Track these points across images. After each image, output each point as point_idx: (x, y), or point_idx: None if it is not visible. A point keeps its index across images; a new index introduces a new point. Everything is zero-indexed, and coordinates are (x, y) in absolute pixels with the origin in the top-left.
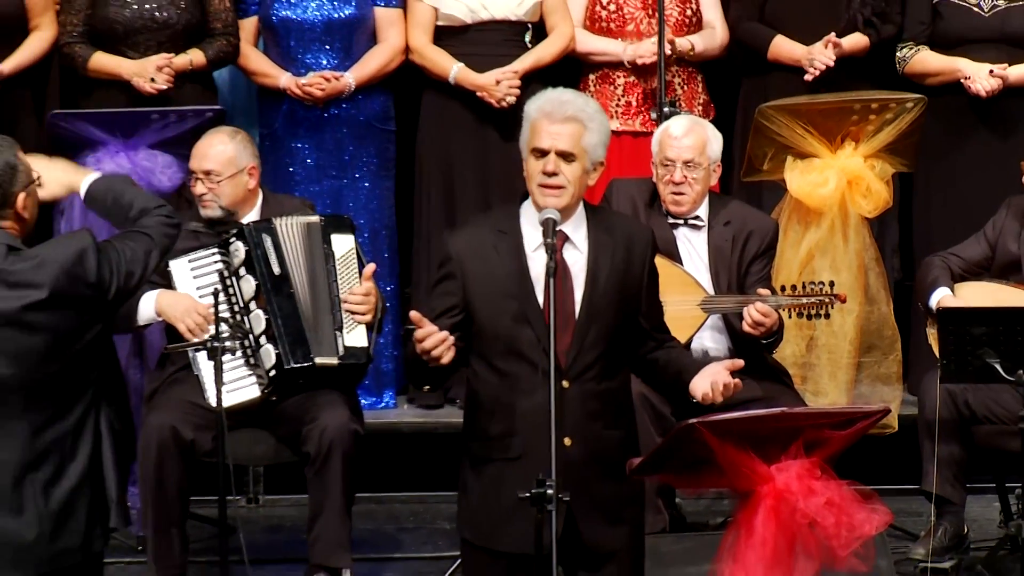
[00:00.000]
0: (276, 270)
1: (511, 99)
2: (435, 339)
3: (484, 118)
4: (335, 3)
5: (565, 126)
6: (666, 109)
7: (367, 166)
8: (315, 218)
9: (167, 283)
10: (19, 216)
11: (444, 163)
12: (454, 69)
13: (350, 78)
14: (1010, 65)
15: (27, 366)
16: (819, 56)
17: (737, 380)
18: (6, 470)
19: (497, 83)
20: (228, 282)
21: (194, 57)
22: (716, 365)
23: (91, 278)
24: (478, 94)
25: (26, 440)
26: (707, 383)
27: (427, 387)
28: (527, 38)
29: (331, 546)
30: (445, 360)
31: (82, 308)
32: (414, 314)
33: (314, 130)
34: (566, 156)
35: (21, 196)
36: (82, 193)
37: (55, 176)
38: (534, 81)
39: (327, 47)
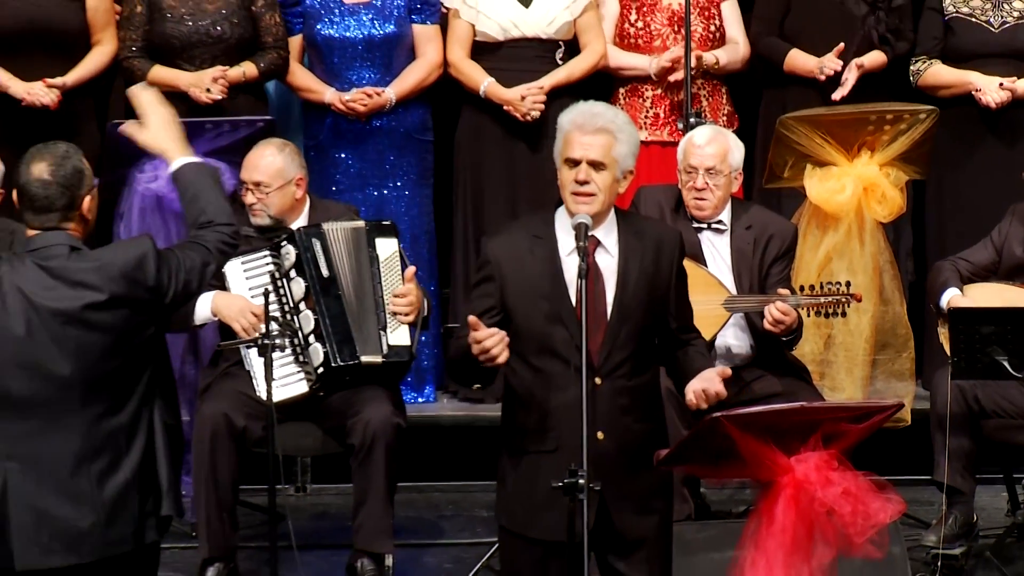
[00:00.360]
0: (324, 272)
1: (535, 114)
2: (495, 339)
3: (514, 131)
4: (375, 21)
5: (596, 137)
6: (692, 120)
7: (407, 175)
8: (361, 223)
9: (221, 284)
10: (82, 218)
11: (479, 172)
12: (484, 83)
13: (391, 92)
14: (1019, 78)
15: (86, 362)
16: (828, 63)
17: (720, 389)
18: (64, 460)
19: (522, 98)
20: (279, 283)
21: (247, 69)
22: (710, 372)
23: (150, 282)
24: (504, 108)
25: (84, 432)
26: (698, 388)
27: (477, 385)
28: (558, 56)
29: (374, 533)
30: (502, 359)
31: (139, 310)
32: (472, 319)
33: (357, 141)
34: (597, 165)
35: (87, 199)
36: (171, 169)
37: (161, 133)
38: (566, 95)
39: (368, 63)
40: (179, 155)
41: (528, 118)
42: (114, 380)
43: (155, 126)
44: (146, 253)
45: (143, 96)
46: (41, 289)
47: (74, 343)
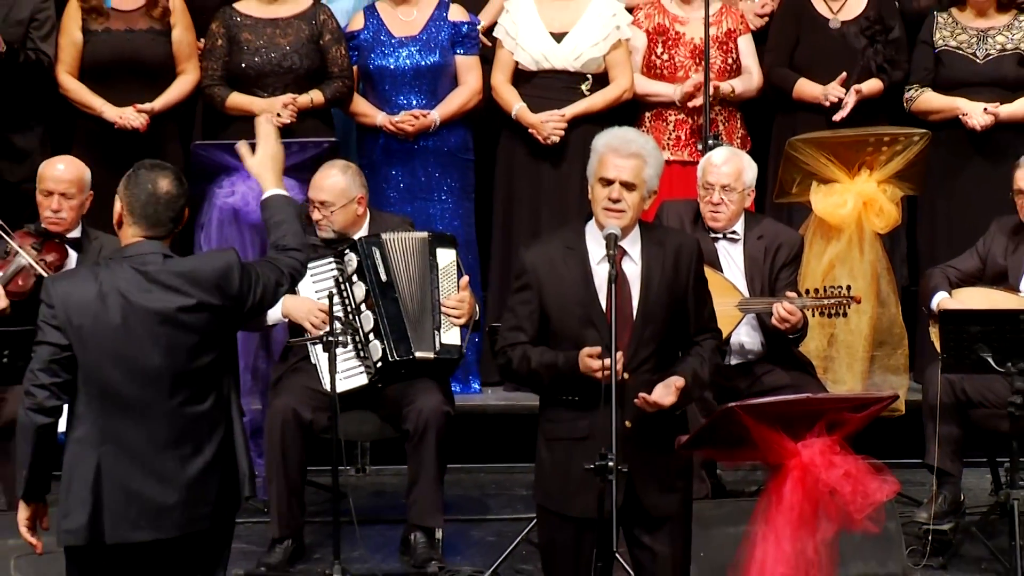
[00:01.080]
0: (383, 278)
1: (555, 138)
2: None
3: (543, 153)
4: (422, 53)
5: (629, 161)
6: (710, 142)
7: (450, 190)
8: (424, 234)
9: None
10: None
11: (513, 188)
12: (516, 107)
13: (436, 115)
14: (1001, 104)
15: (175, 358)
16: (832, 91)
17: (661, 401)
18: (152, 444)
19: (544, 123)
20: (342, 287)
21: (314, 96)
22: (670, 379)
23: (233, 292)
24: (530, 130)
25: (170, 419)
26: (650, 395)
27: (576, 397)
28: (584, 87)
29: (426, 509)
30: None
31: (222, 315)
32: (590, 358)
33: (406, 160)
34: (628, 186)
35: (185, 212)
36: (264, 196)
37: (267, 163)
38: (594, 120)
39: (416, 90)
40: (273, 185)
41: (548, 141)
42: (198, 374)
43: (263, 156)
44: (232, 265)
45: (264, 128)
46: (138, 291)
47: (165, 340)
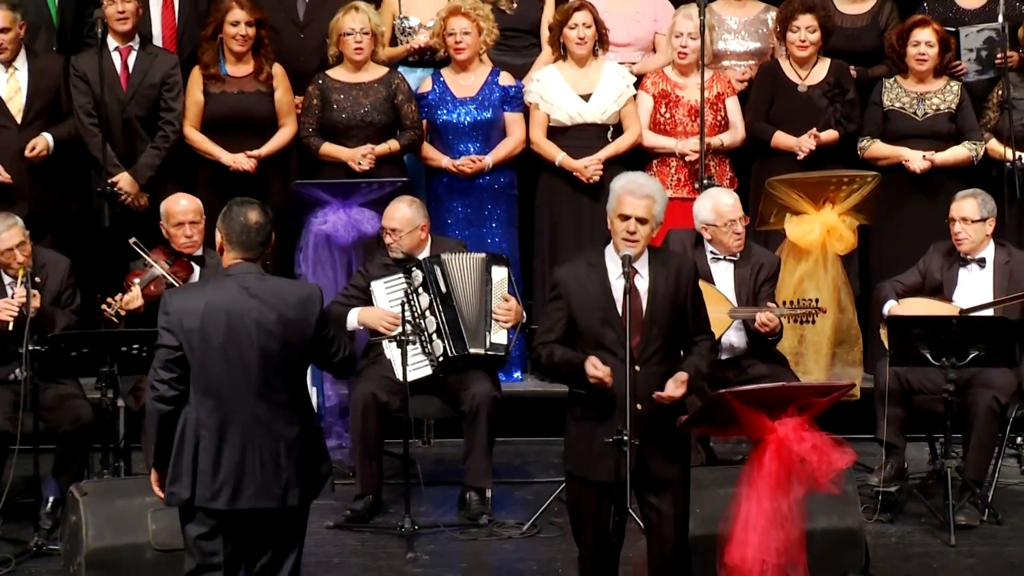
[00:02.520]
0: (443, 289)
1: (596, 177)
2: (607, 374)
3: (577, 188)
4: (478, 110)
5: (642, 200)
6: (704, 182)
7: (499, 219)
8: (483, 255)
9: (368, 300)
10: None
11: (551, 218)
12: (559, 157)
13: (489, 160)
14: (936, 152)
15: (267, 357)
16: (804, 143)
17: (673, 395)
18: (256, 424)
19: (586, 167)
20: (410, 297)
21: (391, 145)
22: (679, 375)
23: (310, 319)
24: (574, 173)
25: (268, 405)
26: (663, 393)
27: (584, 391)
28: (608, 135)
29: (478, 473)
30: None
31: (297, 331)
32: (594, 367)
33: (465, 194)
34: (642, 220)
35: (272, 236)
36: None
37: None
38: (616, 163)
39: (473, 139)
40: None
41: (591, 181)
42: (283, 371)
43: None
44: (313, 294)
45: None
46: (240, 302)
47: (260, 343)
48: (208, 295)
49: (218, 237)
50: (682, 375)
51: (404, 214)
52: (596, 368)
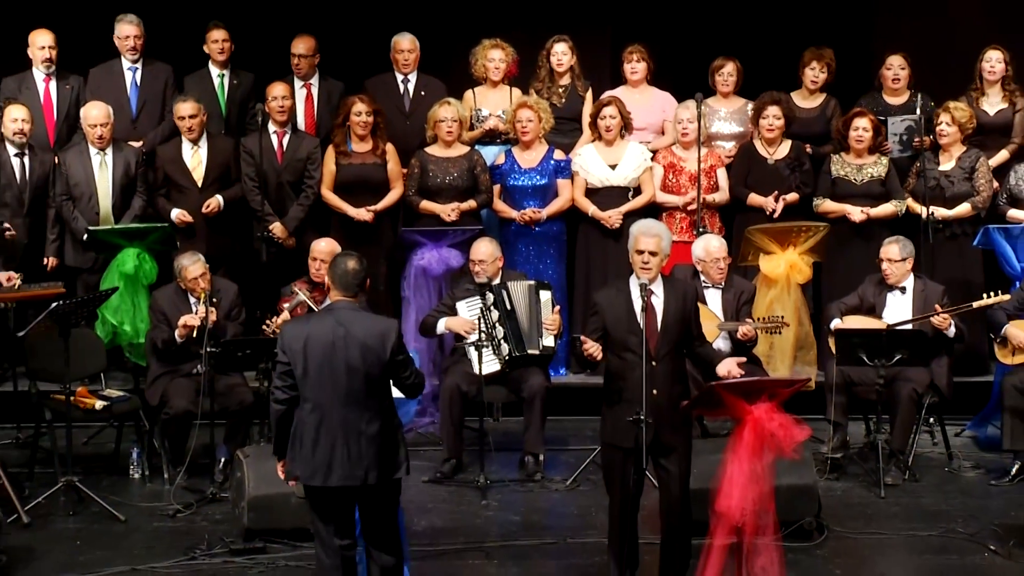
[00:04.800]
0: (508, 307)
1: (616, 224)
2: (594, 348)
3: (606, 235)
4: (538, 177)
5: (653, 238)
6: (700, 229)
7: (552, 257)
8: (532, 282)
9: (454, 312)
10: (360, 293)
11: (588, 257)
12: (591, 210)
13: (544, 214)
14: (871, 208)
15: (353, 371)
16: (769, 204)
17: (740, 369)
18: (349, 418)
19: (609, 216)
20: (485, 312)
21: (471, 203)
22: (730, 360)
23: (386, 347)
24: (601, 221)
25: (358, 405)
26: (725, 368)
27: (589, 370)
28: (630, 195)
29: (534, 443)
30: (599, 358)
31: (375, 355)
32: (583, 338)
33: (527, 238)
34: (653, 253)
35: (367, 280)
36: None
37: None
38: (632, 215)
39: (534, 198)
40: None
41: (613, 227)
42: (366, 383)
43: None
44: (390, 328)
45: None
46: (335, 332)
47: (347, 362)
48: (311, 326)
49: (327, 280)
50: (741, 359)
51: (488, 250)
52: (589, 346)
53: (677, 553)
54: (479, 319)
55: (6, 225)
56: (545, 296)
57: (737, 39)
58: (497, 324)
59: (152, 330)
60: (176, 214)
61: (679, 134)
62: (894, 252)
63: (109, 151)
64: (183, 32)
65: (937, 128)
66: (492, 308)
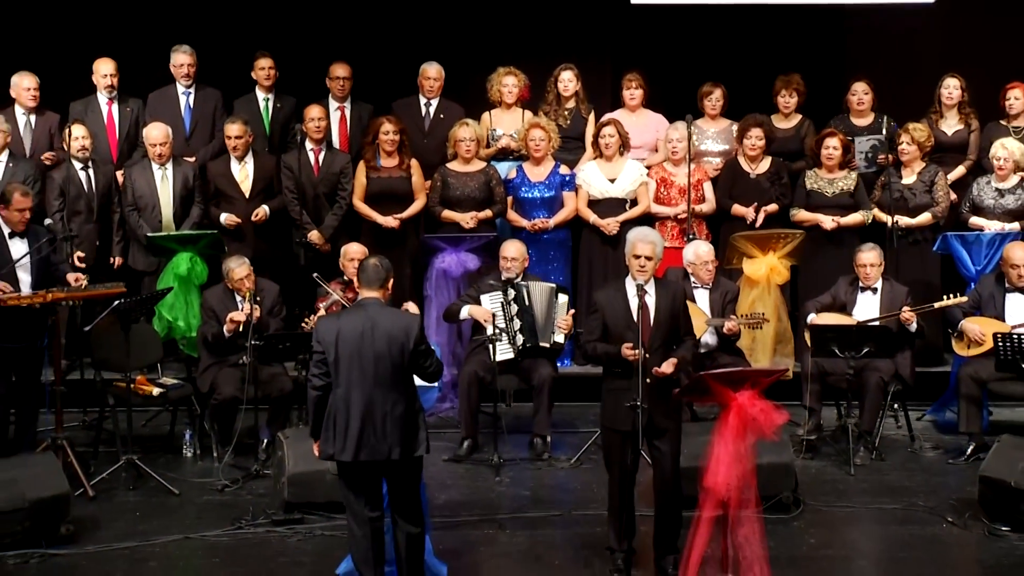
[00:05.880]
0: (526, 304)
1: (614, 231)
2: (636, 355)
3: (605, 242)
4: (547, 189)
5: (649, 244)
6: (690, 237)
7: (558, 261)
8: (552, 285)
9: (478, 301)
10: (385, 290)
11: (590, 260)
12: (592, 218)
13: (552, 222)
14: (841, 217)
15: (380, 358)
16: (750, 214)
17: (663, 371)
18: (377, 398)
19: (608, 224)
20: (504, 306)
21: (487, 213)
22: (670, 360)
23: (409, 339)
24: (601, 228)
25: (385, 387)
26: (663, 367)
27: (619, 370)
28: (627, 206)
29: (542, 425)
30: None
31: (399, 346)
32: (631, 351)
33: (536, 244)
34: (649, 258)
35: (390, 281)
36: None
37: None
38: (628, 224)
39: (542, 208)
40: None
41: (610, 234)
42: (391, 370)
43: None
44: (413, 323)
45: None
46: (363, 324)
47: (374, 351)
48: (343, 320)
49: (356, 282)
50: (672, 359)
51: (519, 249)
52: (629, 350)
53: (669, 523)
54: (500, 310)
55: (79, 276)
56: (563, 299)
57: (723, 67)
58: (515, 317)
59: (203, 325)
60: (224, 218)
61: (670, 152)
62: (874, 258)
63: (169, 166)
64: (231, 60)
65: (899, 147)
66: (512, 303)
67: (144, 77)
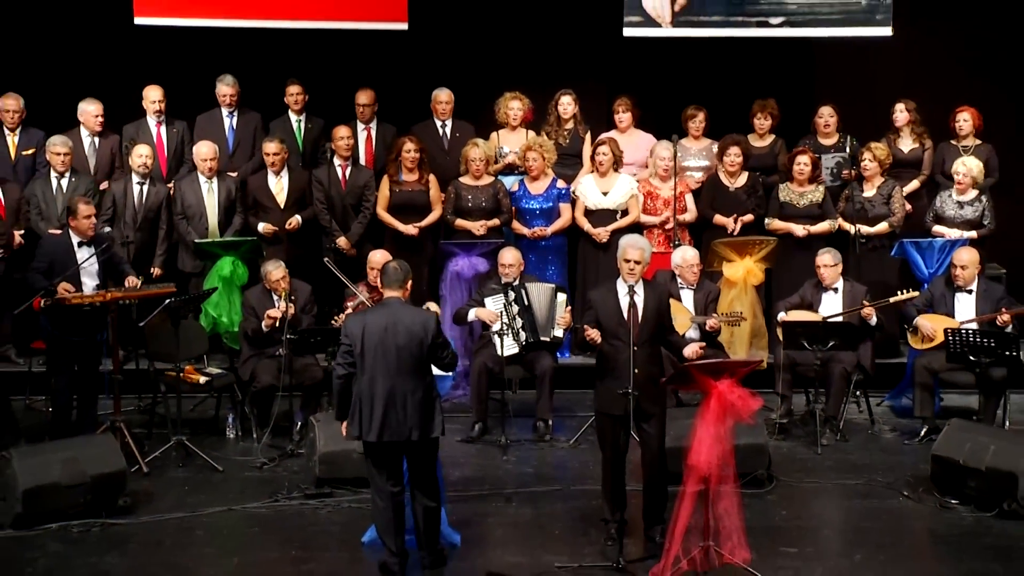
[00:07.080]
0: (526, 303)
1: (604, 239)
2: (596, 334)
3: (597, 248)
4: (545, 200)
5: (638, 251)
6: (675, 243)
7: (556, 264)
8: (552, 285)
9: (482, 304)
10: (405, 290)
11: (585, 264)
12: (586, 226)
13: (550, 230)
14: (811, 226)
15: (401, 350)
16: (730, 223)
17: (700, 350)
18: (400, 384)
19: (599, 232)
20: (507, 306)
21: (496, 221)
22: (693, 344)
23: (428, 333)
24: (593, 236)
25: (401, 379)
26: (691, 350)
27: (588, 352)
28: (618, 215)
29: (544, 409)
30: (599, 342)
31: (418, 339)
32: (592, 331)
33: (536, 250)
34: (638, 262)
35: (409, 281)
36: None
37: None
38: (620, 232)
39: (541, 218)
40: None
41: (601, 241)
42: (411, 360)
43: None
44: (431, 319)
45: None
46: (386, 319)
47: (396, 344)
48: (367, 317)
49: (379, 283)
50: (693, 346)
51: (514, 256)
52: (591, 331)
53: (657, 497)
54: (502, 311)
55: (133, 280)
56: (561, 298)
57: (705, 92)
58: (517, 316)
59: (243, 321)
60: (262, 226)
61: (657, 167)
62: (828, 259)
63: (215, 180)
64: (268, 86)
65: (862, 163)
66: (513, 303)
67: (188, 101)
